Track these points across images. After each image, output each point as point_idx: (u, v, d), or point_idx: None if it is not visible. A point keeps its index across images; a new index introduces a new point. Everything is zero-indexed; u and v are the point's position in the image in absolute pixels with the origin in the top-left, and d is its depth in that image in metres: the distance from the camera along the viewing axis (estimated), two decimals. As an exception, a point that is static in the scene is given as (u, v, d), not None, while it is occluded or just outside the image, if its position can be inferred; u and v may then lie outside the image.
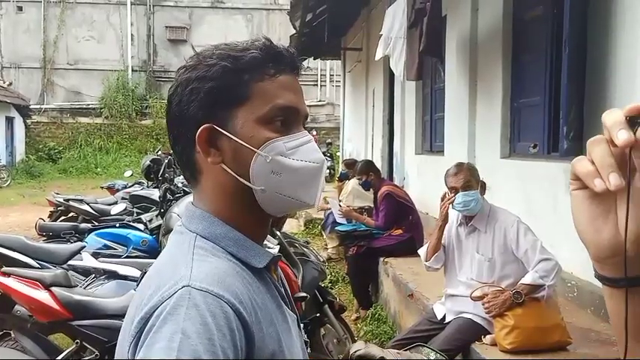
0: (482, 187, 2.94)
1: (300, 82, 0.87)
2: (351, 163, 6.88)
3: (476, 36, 4.74)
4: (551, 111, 3.67)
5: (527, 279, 2.56)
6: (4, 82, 18.12)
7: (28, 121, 19.23)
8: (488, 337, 2.70)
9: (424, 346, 1.24)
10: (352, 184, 6.27)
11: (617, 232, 0.52)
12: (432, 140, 6.44)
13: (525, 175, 3.90)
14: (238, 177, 0.79)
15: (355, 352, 0.97)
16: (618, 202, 0.52)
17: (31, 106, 18.95)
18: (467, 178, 2.84)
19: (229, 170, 0.79)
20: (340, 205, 5.65)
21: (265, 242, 0.90)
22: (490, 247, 2.77)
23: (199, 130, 0.79)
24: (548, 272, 2.54)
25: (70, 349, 2.70)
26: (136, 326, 0.68)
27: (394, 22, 5.31)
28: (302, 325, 0.92)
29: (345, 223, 5.36)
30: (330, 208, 5.98)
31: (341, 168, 8.69)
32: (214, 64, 0.79)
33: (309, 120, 0.88)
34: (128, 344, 0.68)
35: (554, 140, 3.58)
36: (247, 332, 0.69)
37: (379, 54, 5.79)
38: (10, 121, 18.10)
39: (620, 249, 0.51)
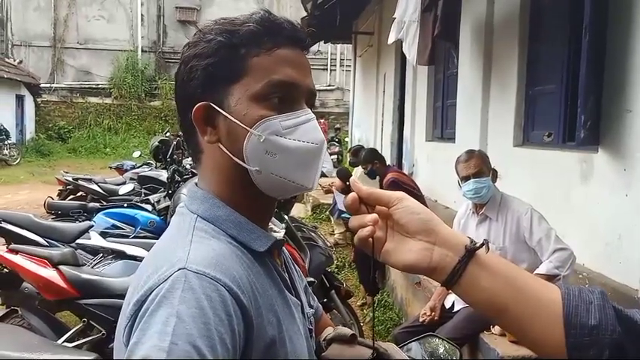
0: (494, 174, 2.90)
1: (310, 66, 0.82)
2: (357, 150, 6.83)
3: (492, 21, 4.64)
4: (568, 99, 3.59)
5: (542, 269, 2.52)
6: (14, 60, 18.14)
7: (38, 99, 19.27)
8: (497, 327, 2.68)
9: (434, 336, 1.21)
10: (361, 170, 6.23)
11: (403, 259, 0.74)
12: (443, 127, 6.36)
13: (539, 164, 3.83)
14: (233, 157, 0.76)
15: (326, 336, 0.94)
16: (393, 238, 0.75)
17: (42, 85, 18.97)
18: (478, 165, 2.80)
19: (225, 150, 0.77)
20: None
21: (271, 226, 0.86)
22: (502, 235, 2.73)
23: (194, 108, 0.77)
24: (564, 262, 2.50)
25: (77, 327, 2.72)
26: (132, 309, 0.66)
27: (408, 5, 5.20)
28: (308, 313, 0.89)
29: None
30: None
31: (348, 157, 8.63)
32: (211, 39, 0.77)
33: (317, 105, 0.84)
34: (124, 327, 0.67)
35: (570, 129, 3.51)
36: (246, 317, 0.67)
37: (392, 38, 5.69)
38: (20, 99, 18.14)
39: (414, 269, 0.73)
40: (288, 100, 0.77)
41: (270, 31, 0.77)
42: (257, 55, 0.76)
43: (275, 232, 0.86)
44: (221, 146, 0.77)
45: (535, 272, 2.54)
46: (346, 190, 0.77)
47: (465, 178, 2.80)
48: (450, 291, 0.73)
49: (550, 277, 2.50)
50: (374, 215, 0.73)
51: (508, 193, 2.94)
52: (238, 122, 0.75)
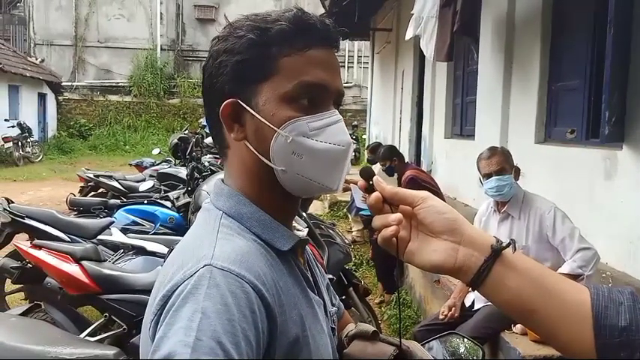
0: (517, 172, 2.86)
1: (339, 65, 0.82)
2: (375, 148, 6.79)
3: (513, 15, 4.57)
4: (591, 95, 3.52)
5: (565, 269, 2.47)
6: (36, 59, 18.47)
7: (59, 97, 19.61)
8: (518, 326, 2.64)
9: (456, 334, 1.19)
10: (378, 167, 6.20)
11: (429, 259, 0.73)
12: (462, 124, 6.29)
13: (561, 161, 3.77)
14: (259, 155, 0.76)
15: (348, 333, 0.93)
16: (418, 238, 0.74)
17: (63, 84, 19.30)
18: (500, 163, 2.77)
19: (251, 148, 0.76)
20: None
21: (295, 225, 0.86)
22: (524, 234, 2.69)
23: (222, 104, 0.77)
24: (587, 262, 2.45)
25: (99, 322, 2.75)
26: (157, 304, 0.66)
27: (426, 1, 5.15)
28: (331, 312, 0.88)
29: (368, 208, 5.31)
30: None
31: (366, 154, 8.60)
32: (242, 35, 0.76)
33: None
34: (149, 321, 0.67)
35: (594, 125, 3.44)
36: (269, 314, 0.67)
37: (409, 34, 5.65)
38: (42, 97, 18.48)
39: (439, 269, 0.71)
40: (317, 102, 0.76)
41: (303, 30, 0.76)
42: (288, 55, 0.75)
43: (298, 230, 0.85)
44: (247, 144, 0.77)
45: (558, 272, 2.50)
46: (369, 189, 0.76)
47: (487, 176, 2.77)
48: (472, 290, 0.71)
49: (573, 277, 2.45)
50: (398, 215, 0.72)
51: (529, 191, 2.90)
52: (266, 122, 0.75)
